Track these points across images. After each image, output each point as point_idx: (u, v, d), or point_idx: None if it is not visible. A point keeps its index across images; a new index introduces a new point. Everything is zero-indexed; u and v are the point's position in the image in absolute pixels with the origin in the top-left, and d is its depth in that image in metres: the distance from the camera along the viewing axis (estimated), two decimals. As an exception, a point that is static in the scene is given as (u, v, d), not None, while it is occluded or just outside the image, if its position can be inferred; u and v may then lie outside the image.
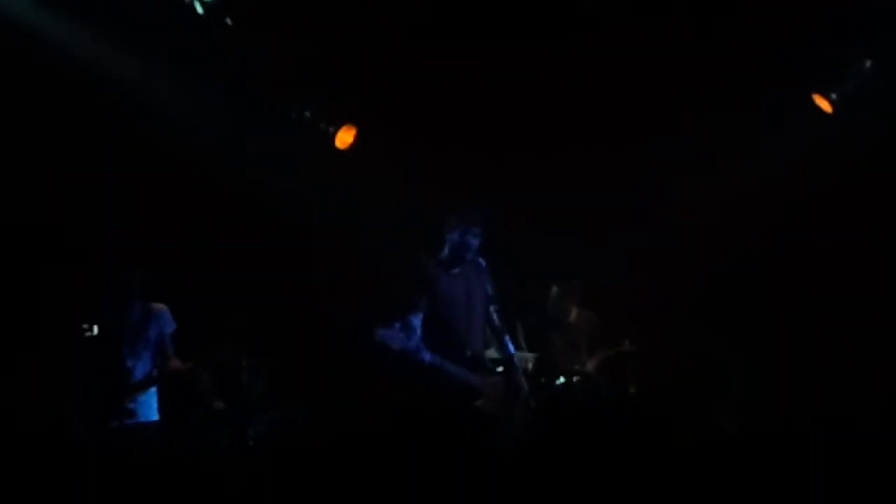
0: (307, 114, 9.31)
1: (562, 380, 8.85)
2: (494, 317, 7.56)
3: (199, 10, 8.43)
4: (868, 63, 8.79)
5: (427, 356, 7.10)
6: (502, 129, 9.71)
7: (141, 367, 7.51)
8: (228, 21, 8.57)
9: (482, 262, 7.46)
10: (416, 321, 7.26)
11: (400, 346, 7.08)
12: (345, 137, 9.45)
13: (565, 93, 9.52)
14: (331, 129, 9.39)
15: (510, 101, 9.54)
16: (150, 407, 7.55)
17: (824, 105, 9.00)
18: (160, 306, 7.70)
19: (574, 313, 9.42)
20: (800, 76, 9.13)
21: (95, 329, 7.31)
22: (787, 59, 9.05)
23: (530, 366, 8.54)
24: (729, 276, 9.66)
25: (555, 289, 9.38)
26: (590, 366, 9.06)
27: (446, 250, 7.43)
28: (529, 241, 9.06)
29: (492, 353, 7.67)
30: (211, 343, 7.83)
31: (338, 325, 8.74)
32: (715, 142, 9.39)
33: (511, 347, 7.61)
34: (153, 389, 7.58)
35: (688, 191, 9.68)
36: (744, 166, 9.47)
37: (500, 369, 7.53)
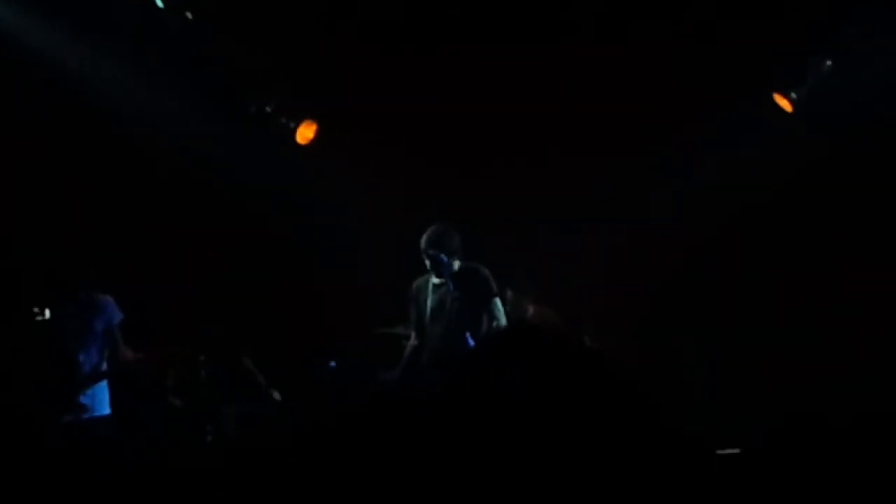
0: (268, 109, 9.25)
1: None
2: (496, 310, 7.84)
3: (160, 3, 8.35)
4: (828, 62, 8.82)
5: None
6: (463, 128, 9.70)
7: (90, 360, 7.37)
8: (188, 15, 8.50)
9: (465, 266, 7.85)
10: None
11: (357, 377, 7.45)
12: (305, 133, 9.40)
13: (527, 94, 9.53)
14: (291, 125, 9.34)
15: (472, 100, 9.53)
16: (101, 401, 7.41)
17: (784, 104, 9.03)
18: (104, 297, 7.53)
19: (531, 311, 9.41)
20: (760, 76, 9.16)
21: (47, 313, 7.19)
22: (748, 59, 9.08)
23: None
24: (691, 274, 9.69)
25: (509, 291, 9.37)
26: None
27: (431, 269, 7.87)
28: (487, 241, 9.04)
29: None
30: (170, 336, 7.77)
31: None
32: (678, 143, 9.41)
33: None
34: (104, 382, 7.44)
35: (651, 191, 9.70)
36: (706, 166, 9.50)
37: None
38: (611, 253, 9.74)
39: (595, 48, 9.17)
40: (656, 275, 9.74)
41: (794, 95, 8.92)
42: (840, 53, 8.81)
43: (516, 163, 9.87)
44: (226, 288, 9.38)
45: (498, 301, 7.90)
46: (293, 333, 9.58)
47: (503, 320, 7.86)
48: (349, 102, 9.60)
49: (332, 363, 8.19)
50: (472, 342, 7.77)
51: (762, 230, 9.60)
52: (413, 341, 8.15)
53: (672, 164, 9.56)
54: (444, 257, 7.74)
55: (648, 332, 9.48)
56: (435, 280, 7.93)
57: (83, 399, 7.30)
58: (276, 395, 8.87)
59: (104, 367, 7.42)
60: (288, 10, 8.94)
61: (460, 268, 7.89)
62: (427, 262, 7.86)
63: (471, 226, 9.19)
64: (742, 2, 8.81)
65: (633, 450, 2.42)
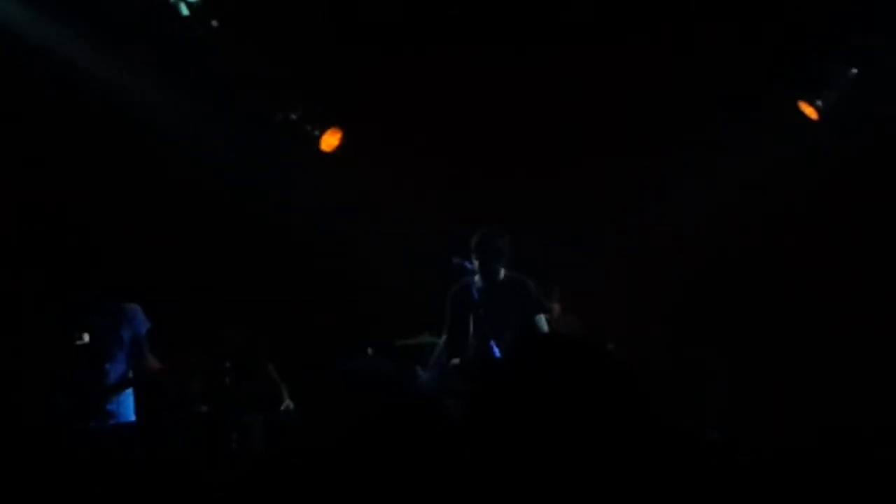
0: (293, 116, 9.27)
1: None
2: (539, 324, 7.72)
3: (185, 11, 8.37)
4: (853, 70, 8.80)
5: (424, 375, 7.37)
6: (486, 134, 9.70)
7: (116, 369, 7.42)
8: (214, 23, 8.51)
9: (512, 276, 7.77)
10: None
11: (384, 367, 7.24)
12: (330, 140, 9.42)
13: (553, 98, 9.53)
14: (316, 132, 9.36)
15: (496, 106, 9.54)
16: (127, 408, 7.47)
17: (810, 112, 9.01)
18: (132, 306, 7.58)
19: (555, 317, 9.40)
20: (786, 84, 9.13)
21: (86, 337, 7.23)
22: (774, 66, 9.06)
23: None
24: (716, 281, 9.66)
25: None
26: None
27: (473, 277, 7.75)
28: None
29: None
30: (193, 344, 7.78)
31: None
32: (702, 150, 9.39)
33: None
34: (130, 391, 7.49)
35: (674, 198, 9.68)
36: (731, 174, 9.47)
37: None
38: (633, 260, 9.73)
39: (618, 51, 9.16)
40: (678, 281, 9.73)
41: (819, 103, 8.89)
42: (865, 61, 8.77)
43: (539, 168, 9.88)
44: (250, 295, 9.39)
45: (542, 317, 7.80)
46: (317, 341, 9.58)
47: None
48: (372, 109, 9.61)
49: (370, 351, 8.06)
50: (497, 351, 7.73)
51: (786, 238, 9.56)
52: (445, 341, 7.99)
53: (696, 171, 9.55)
54: (488, 265, 7.67)
55: (670, 340, 9.45)
56: (478, 285, 7.76)
57: (109, 406, 7.35)
58: (290, 404, 8.87)
59: (130, 375, 7.46)
60: (312, 18, 8.95)
61: (509, 276, 7.81)
62: (477, 263, 7.70)
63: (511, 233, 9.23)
64: (768, 9, 8.77)
65: (656, 457, 2.42)
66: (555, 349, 2.51)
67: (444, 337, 8.02)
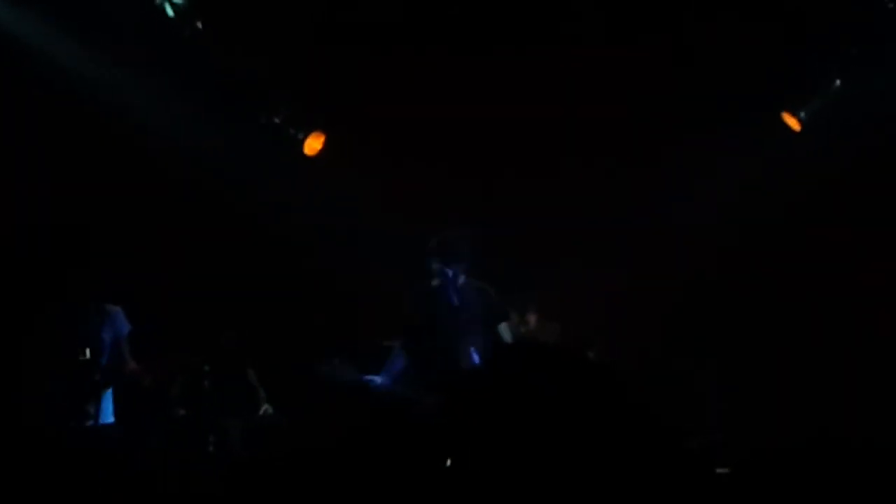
0: (276, 119, 9.25)
1: None
2: (502, 332, 7.48)
3: (170, 12, 8.36)
4: (837, 82, 8.83)
5: (378, 380, 7.19)
6: (471, 139, 9.71)
7: (97, 370, 7.41)
8: (199, 24, 8.50)
9: (469, 281, 7.47)
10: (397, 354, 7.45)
11: (346, 376, 7.18)
12: (313, 144, 9.40)
13: (535, 102, 9.53)
14: (300, 135, 9.34)
15: (480, 107, 9.53)
16: (105, 409, 7.46)
17: (793, 123, 9.04)
18: (114, 308, 7.59)
19: (533, 323, 9.39)
20: (769, 95, 9.17)
21: (88, 353, 7.26)
22: (757, 78, 9.09)
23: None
24: (709, 286, 9.68)
25: (513, 316, 9.33)
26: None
27: (435, 280, 7.46)
28: (492, 251, 9.01)
29: None
30: (172, 348, 7.77)
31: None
32: (697, 155, 9.41)
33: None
34: (109, 391, 7.49)
35: (668, 202, 9.68)
36: (726, 178, 9.50)
37: None
38: (625, 264, 9.74)
39: (606, 56, 9.17)
40: (671, 287, 9.74)
41: (802, 114, 8.92)
42: (848, 72, 8.81)
43: (530, 170, 9.88)
44: (233, 298, 9.37)
45: (506, 324, 7.56)
46: (299, 344, 9.57)
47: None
48: (365, 110, 9.60)
49: (336, 360, 7.96)
50: (476, 357, 7.67)
51: (781, 242, 9.60)
52: (401, 346, 7.65)
53: (681, 180, 9.56)
54: (449, 269, 7.34)
55: (662, 345, 9.46)
56: (440, 290, 7.45)
57: (88, 407, 7.34)
58: (268, 409, 8.85)
59: (110, 376, 7.46)
60: (296, 21, 8.94)
61: (469, 283, 7.49)
62: (431, 270, 7.47)
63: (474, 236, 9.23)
64: (753, 20, 8.80)
65: (636, 461, 2.42)
66: (532, 357, 2.50)
67: (403, 339, 7.63)
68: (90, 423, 7.32)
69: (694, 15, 8.87)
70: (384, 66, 9.28)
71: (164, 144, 9.12)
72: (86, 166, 9.05)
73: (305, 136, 9.35)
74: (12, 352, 7.88)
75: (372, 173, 9.43)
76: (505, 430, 2.36)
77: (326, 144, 9.40)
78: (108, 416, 7.46)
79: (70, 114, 8.83)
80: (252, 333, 9.07)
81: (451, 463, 2.55)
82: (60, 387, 7.33)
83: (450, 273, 7.39)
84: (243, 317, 9.22)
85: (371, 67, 9.29)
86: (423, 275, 7.58)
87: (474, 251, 7.48)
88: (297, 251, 9.85)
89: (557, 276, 9.47)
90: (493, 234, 9.21)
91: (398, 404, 7.20)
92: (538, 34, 9.11)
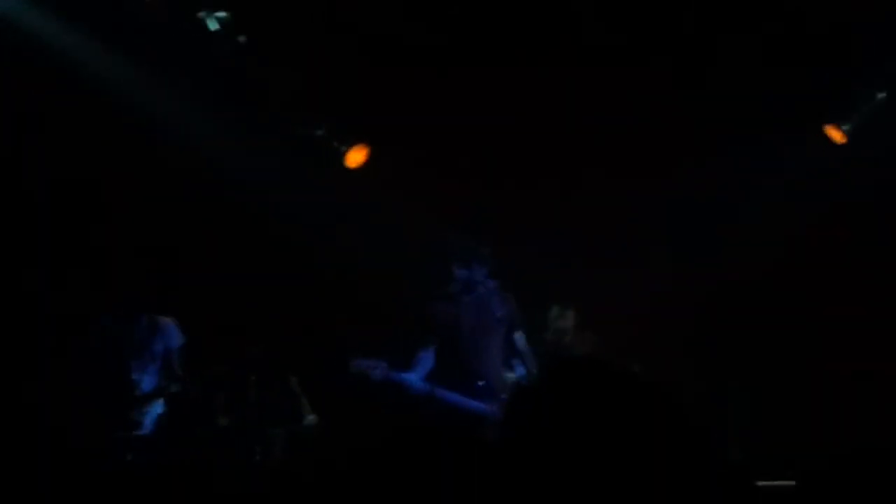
0: (319, 132, 9.30)
1: None
2: (518, 341, 7.49)
3: (213, 26, 8.42)
4: (881, 94, 8.79)
5: (417, 385, 7.19)
6: (513, 154, 9.72)
7: (148, 380, 7.51)
8: (242, 38, 8.56)
9: (492, 287, 7.45)
10: (425, 354, 7.42)
11: (381, 376, 7.19)
12: (356, 156, 9.44)
13: (576, 119, 9.54)
14: (342, 148, 9.38)
15: (522, 126, 9.56)
16: (154, 420, 7.55)
17: (837, 136, 8.99)
18: (167, 319, 7.71)
19: (572, 334, 9.38)
20: (813, 107, 9.13)
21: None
22: (800, 90, 9.05)
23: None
24: (735, 303, 9.63)
25: (553, 310, 9.35)
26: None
27: (458, 286, 7.48)
28: (529, 265, 9.01)
29: (512, 377, 7.64)
30: (218, 358, 7.83)
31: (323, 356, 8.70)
32: (728, 172, 9.38)
33: (521, 371, 7.59)
34: (159, 402, 7.57)
35: (697, 218, 9.66)
36: (753, 196, 9.46)
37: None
38: (654, 280, 9.70)
39: (638, 71, 9.17)
40: (698, 303, 9.70)
41: (846, 127, 8.88)
42: (893, 84, 8.78)
43: (560, 185, 9.86)
44: (273, 308, 9.41)
45: (521, 334, 7.54)
46: (339, 353, 9.59)
47: (529, 352, 7.54)
48: (391, 124, 9.64)
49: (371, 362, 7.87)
50: (521, 370, 7.64)
51: (808, 261, 9.53)
52: (427, 352, 7.59)
53: (721, 192, 9.52)
54: (475, 274, 7.38)
55: (690, 361, 9.42)
56: (465, 299, 7.49)
57: (137, 417, 7.42)
58: (313, 418, 8.87)
59: (160, 387, 7.55)
60: (338, 34, 8.99)
61: (492, 289, 7.47)
62: (482, 276, 7.44)
63: (510, 246, 9.24)
64: (795, 32, 8.77)
65: (687, 479, 2.42)
66: (593, 374, 2.50)
67: (430, 347, 7.56)
68: (136, 432, 7.40)
69: (735, 25, 8.85)
70: (415, 78, 9.31)
71: (202, 157, 9.18)
72: (128, 178, 9.14)
73: (348, 149, 9.38)
74: (61, 360, 7.98)
75: (405, 183, 9.45)
76: (564, 448, 2.37)
77: (369, 157, 9.44)
78: (153, 426, 7.56)
79: (106, 124, 8.92)
80: (292, 342, 9.11)
81: (506, 479, 2.56)
82: (106, 396, 7.42)
83: (468, 279, 7.44)
84: (283, 326, 9.26)
85: (412, 82, 9.32)
86: (448, 280, 7.60)
87: (496, 257, 7.52)
88: (337, 264, 9.87)
89: (589, 287, 9.45)
90: (525, 244, 9.27)
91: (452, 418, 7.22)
92: (570, 47, 9.13)
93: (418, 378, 7.39)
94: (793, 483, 2.99)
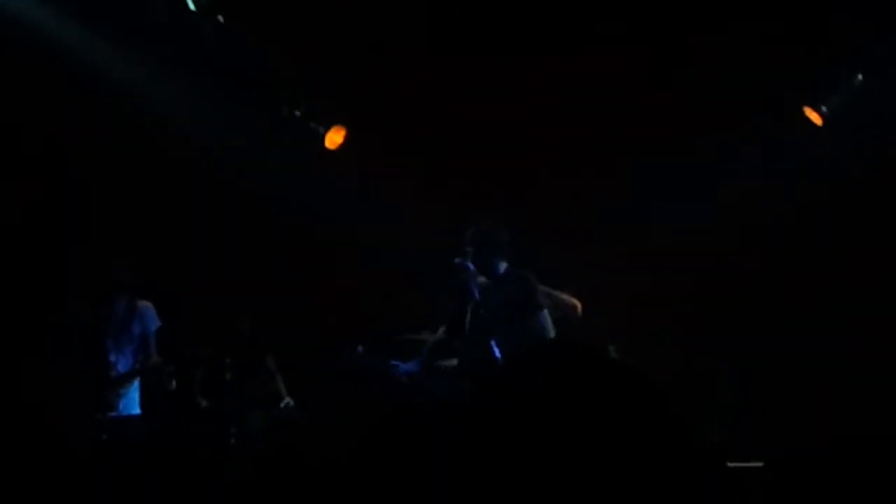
0: (297, 113, 9.27)
1: None
2: (541, 320, 7.36)
3: (192, 6, 8.38)
4: (859, 76, 8.80)
5: (404, 367, 7.22)
6: (493, 133, 9.71)
7: (124, 362, 7.56)
8: (220, 18, 8.52)
9: (512, 270, 7.49)
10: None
11: (370, 363, 7.25)
12: (334, 137, 9.42)
13: (558, 101, 9.53)
14: (321, 129, 9.35)
15: (501, 106, 9.54)
16: (132, 401, 7.58)
17: (815, 118, 9.00)
18: (145, 303, 7.77)
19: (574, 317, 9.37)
20: (790, 89, 9.14)
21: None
22: (778, 72, 9.06)
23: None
24: (724, 286, 9.64)
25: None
26: None
27: (473, 271, 7.44)
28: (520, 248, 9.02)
29: None
30: (198, 340, 7.83)
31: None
32: (708, 156, 9.38)
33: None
34: (136, 384, 7.60)
35: (683, 201, 9.66)
36: (736, 179, 9.46)
37: None
38: (639, 262, 9.71)
39: (626, 54, 9.17)
40: (685, 286, 9.71)
41: (824, 109, 8.88)
42: (871, 67, 8.78)
43: (546, 170, 9.86)
44: (252, 289, 9.40)
45: (545, 314, 7.43)
46: (317, 335, 9.60)
47: (551, 333, 7.40)
48: (379, 106, 9.62)
49: (360, 348, 7.95)
50: (497, 353, 7.66)
51: (795, 244, 9.55)
52: (439, 336, 7.80)
53: (703, 177, 9.52)
54: (491, 252, 7.40)
55: (674, 345, 9.43)
56: (480, 280, 7.48)
57: (113, 398, 7.46)
58: (290, 402, 8.86)
59: (136, 368, 7.58)
60: (318, 14, 8.96)
61: (509, 271, 7.50)
62: (472, 256, 7.41)
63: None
64: (772, 15, 8.77)
65: (655, 456, 2.42)
66: (556, 358, 2.50)
67: (439, 332, 7.80)
68: (113, 413, 7.42)
69: (717, 10, 8.85)
70: (404, 61, 9.29)
71: (182, 137, 9.16)
72: (102, 157, 9.12)
73: (326, 130, 9.36)
74: (37, 342, 7.98)
75: (393, 169, 9.44)
76: (524, 427, 2.37)
77: (348, 138, 9.42)
78: (134, 407, 7.57)
79: (86, 103, 8.89)
80: (270, 324, 9.10)
81: (465, 459, 2.56)
82: (84, 377, 7.44)
83: (483, 262, 7.43)
84: (261, 307, 9.24)
85: (391, 62, 9.30)
86: (449, 272, 7.65)
87: (512, 242, 7.49)
88: (315, 243, 9.86)
89: (576, 273, 9.44)
90: (514, 231, 9.26)
91: (419, 393, 7.25)
92: (561, 34, 9.12)
93: (415, 365, 7.53)
94: (760, 465, 3.01)
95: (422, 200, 9.45)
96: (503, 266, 7.49)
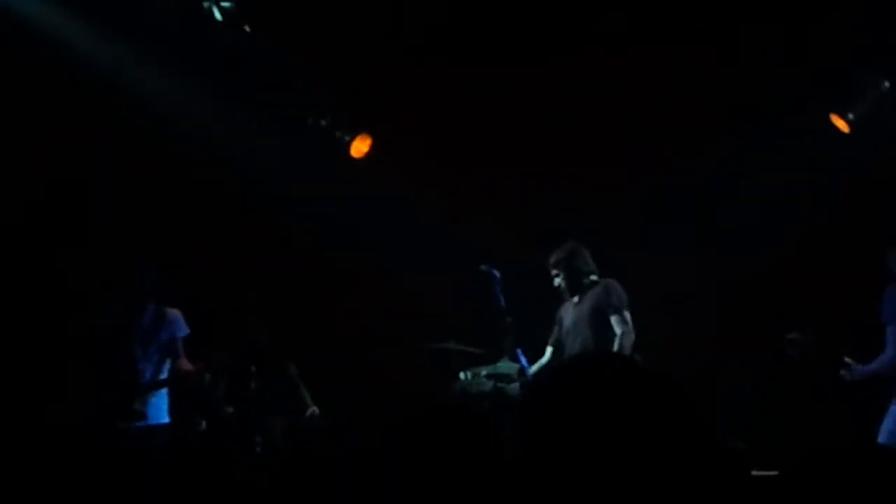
0: (323, 122, 9.29)
1: None
2: (614, 325, 7.83)
3: (218, 16, 8.41)
4: (886, 83, 8.74)
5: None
6: (518, 142, 9.70)
7: (151, 370, 7.55)
8: (246, 28, 8.55)
9: (594, 282, 7.99)
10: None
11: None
12: (360, 146, 9.43)
13: (582, 108, 9.51)
14: (346, 138, 9.37)
15: (526, 114, 9.54)
16: (160, 409, 7.57)
17: (841, 125, 8.95)
18: (174, 311, 7.76)
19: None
20: (818, 96, 9.08)
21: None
22: (806, 79, 9.01)
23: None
24: (742, 292, 9.59)
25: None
26: None
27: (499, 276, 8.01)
28: (540, 251, 9.00)
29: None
30: (221, 348, 7.84)
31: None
32: (733, 161, 9.34)
33: None
34: (164, 392, 7.60)
35: (697, 208, 9.62)
36: (757, 186, 9.42)
37: None
38: (658, 268, 9.66)
39: (653, 56, 9.14)
40: (707, 291, 9.66)
41: (851, 116, 8.83)
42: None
43: (565, 174, 9.83)
44: (275, 298, 9.41)
45: (622, 314, 7.86)
46: (340, 345, 9.61)
47: (621, 334, 7.81)
48: (398, 114, 9.63)
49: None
50: (523, 359, 7.75)
51: (814, 250, 9.48)
52: (546, 357, 8.23)
53: (722, 182, 9.49)
54: (573, 276, 7.95)
55: (691, 351, 9.38)
56: (576, 300, 7.99)
57: (140, 407, 7.45)
58: (315, 410, 8.87)
59: (164, 377, 7.58)
60: (344, 24, 8.97)
61: (591, 283, 7.99)
62: (555, 281, 7.98)
63: (516, 238, 9.24)
64: (800, 21, 8.73)
65: (694, 472, 2.41)
66: (586, 368, 2.49)
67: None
68: (141, 423, 7.42)
69: (741, 15, 8.81)
70: (431, 71, 9.30)
71: (207, 147, 9.19)
72: (139, 171, 9.15)
73: (352, 139, 9.38)
74: (62, 349, 8.00)
75: (416, 178, 9.44)
76: (567, 440, 2.36)
77: (372, 147, 9.43)
78: (163, 416, 7.58)
79: (112, 114, 8.92)
80: (293, 333, 9.12)
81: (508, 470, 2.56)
82: (110, 386, 7.44)
83: (496, 273, 7.88)
84: (284, 316, 9.25)
85: (418, 72, 9.31)
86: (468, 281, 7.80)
87: (580, 255, 8.09)
88: (337, 252, 9.86)
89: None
90: (533, 237, 9.25)
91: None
92: (583, 36, 9.10)
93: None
94: (775, 473, 2.99)
95: (447, 209, 9.46)
96: (589, 279, 8.00)
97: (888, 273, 7.48)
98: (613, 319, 7.81)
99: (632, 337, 7.79)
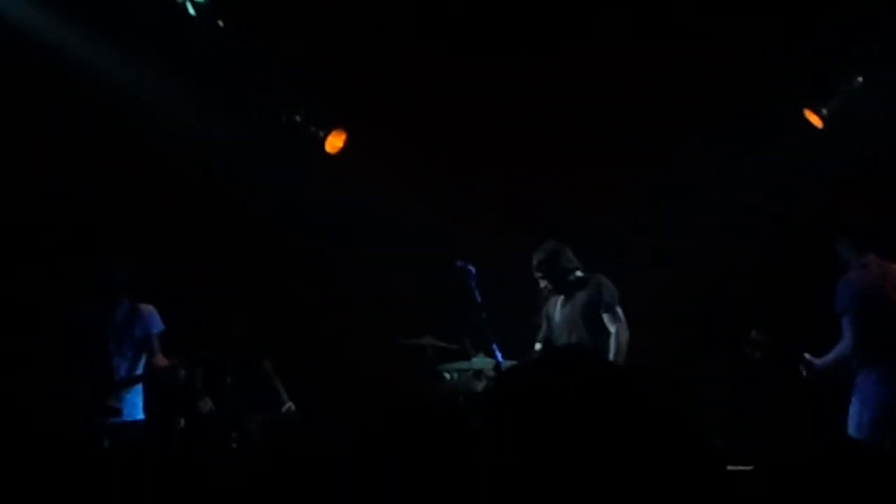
0: (297, 117, 9.26)
1: None
2: (605, 320, 7.87)
3: (192, 11, 8.38)
4: (859, 79, 8.79)
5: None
6: (493, 137, 9.70)
7: (126, 366, 7.53)
8: (220, 23, 8.52)
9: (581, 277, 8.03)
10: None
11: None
12: (335, 142, 9.41)
13: (562, 107, 9.53)
14: (321, 133, 9.34)
15: (502, 109, 9.54)
16: (135, 406, 7.55)
17: (815, 120, 8.99)
18: (147, 306, 7.73)
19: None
20: (791, 91, 9.12)
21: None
22: (779, 74, 9.05)
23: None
24: (720, 290, 9.62)
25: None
26: None
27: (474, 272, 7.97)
28: (519, 249, 9.00)
29: None
30: (197, 343, 7.83)
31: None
32: (707, 158, 9.36)
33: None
34: (139, 388, 7.58)
35: (676, 206, 9.64)
36: (734, 182, 9.44)
37: None
38: (637, 267, 9.68)
39: (627, 56, 9.16)
40: (681, 289, 9.69)
41: (824, 111, 8.87)
42: (871, 69, 8.77)
43: (546, 172, 9.83)
44: (251, 293, 9.39)
45: (614, 311, 7.91)
46: (316, 340, 9.60)
47: (615, 331, 7.84)
48: (378, 111, 9.62)
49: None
50: (498, 355, 7.75)
51: (792, 247, 9.51)
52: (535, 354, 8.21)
53: (699, 180, 9.51)
54: (558, 275, 7.96)
55: (674, 348, 9.41)
56: (563, 297, 8.02)
57: (115, 403, 7.43)
58: (291, 406, 8.85)
59: (138, 373, 7.55)
60: (318, 19, 8.95)
61: (577, 279, 8.01)
62: (541, 283, 8.01)
63: (496, 234, 9.24)
64: (772, 17, 8.77)
65: (660, 459, 2.41)
66: (559, 362, 2.49)
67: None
68: (115, 419, 7.40)
69: (715, 13, 8.84)
70: (398, 66, 9.29)
71: (181, 142, 9.16)
72: (108, 163, 9.11)
73: (326, 134, 9.35)
74: (36, 346, 7.96)
75: (392, 173, 9.43)
76: (532, 430, 2.36)
77: (347, 142, 9.40)
78: (137, 412, 7.55)
79: (86, 110, 8.89)
80: (269, 328, 9.11)
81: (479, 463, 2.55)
82: (84, 382, 7.42)
83: (472, 269, 7.84)
84: (260, 311, 9.24)
85: (393, 66, 9.30)
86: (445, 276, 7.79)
87: (561, 252, 8.08)
88: (313, 247, 9.84)
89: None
90: (512, 235, 9.25)
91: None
92: (562, 36, 9.12)
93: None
94: (750, 468, 3.00)
95: (423, 204, 9.45)
96: (575, 275, 8.02)
97: (840, 263, 7.55)
98: (606, 317, 7.86)
99: (627, 333, 7.83)
